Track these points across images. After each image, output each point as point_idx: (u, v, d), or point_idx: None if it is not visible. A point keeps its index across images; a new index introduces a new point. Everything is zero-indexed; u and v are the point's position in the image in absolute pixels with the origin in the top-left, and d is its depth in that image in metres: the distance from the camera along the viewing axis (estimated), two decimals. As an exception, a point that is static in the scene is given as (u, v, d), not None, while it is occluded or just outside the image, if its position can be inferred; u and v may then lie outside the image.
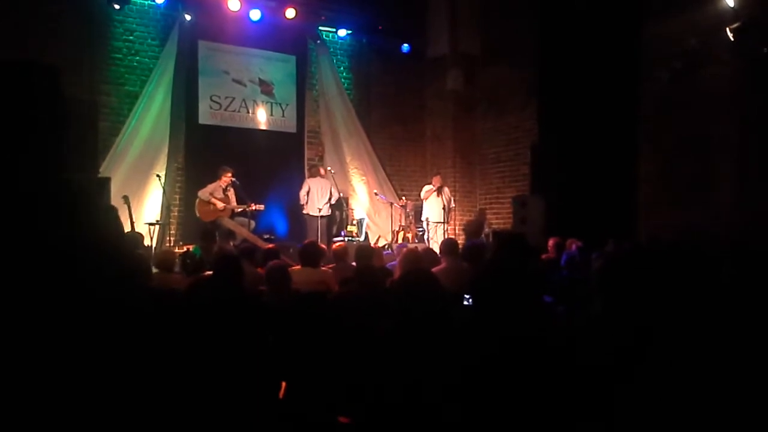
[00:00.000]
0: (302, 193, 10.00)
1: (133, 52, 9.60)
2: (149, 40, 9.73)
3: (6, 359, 1.13)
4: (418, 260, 5.11)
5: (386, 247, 9.77)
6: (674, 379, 1.95)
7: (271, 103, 10.87)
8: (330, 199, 9.98)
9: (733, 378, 1.96)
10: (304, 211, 10.00)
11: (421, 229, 10.81)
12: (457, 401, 2.04)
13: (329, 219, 10.18)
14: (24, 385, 1.13)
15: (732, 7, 8.07)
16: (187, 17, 9.74)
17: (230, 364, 3.01)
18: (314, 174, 10.24)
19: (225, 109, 10.39)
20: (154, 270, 5.33)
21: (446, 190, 10.65)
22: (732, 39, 8.02)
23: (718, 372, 1.97)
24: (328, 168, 10.61)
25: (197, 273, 5.48)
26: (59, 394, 1.16)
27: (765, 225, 7.42)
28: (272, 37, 10.58)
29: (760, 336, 2.11)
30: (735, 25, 7.97)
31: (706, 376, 1.96)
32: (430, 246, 9.79)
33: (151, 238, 8.72)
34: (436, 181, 10.61)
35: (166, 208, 9.16)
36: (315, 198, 9.93)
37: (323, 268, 5.66)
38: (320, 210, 9.83)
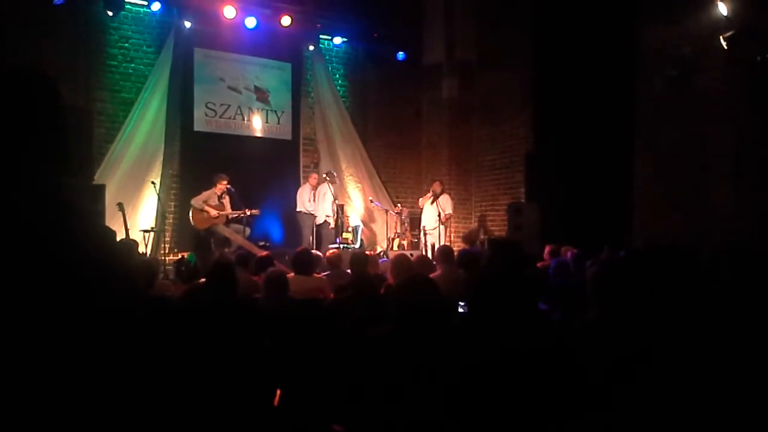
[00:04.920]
0: (313, 196, 10.11)
1: (128, 59, 9.59)
2: (144, 47, 9.73)
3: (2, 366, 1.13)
4: (408, 264, 5.12)
5: (382, 254, 9.75)
6: (672, 383, 1.95)
7: (267, 111, 10.86)
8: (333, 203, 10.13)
9: (731, 381, 1.96)
10: (310, 211, 10.05)
11: (416, 237, 10.81)
12: (454, 407, 2.04)
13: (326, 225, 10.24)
14: (18, 394, 1.13)
15: (725, 16, 8.13)
16: (185, 24, 9.74)
17: (225, 372, 3.00)
18: (321, 181, 10.31)
19: (220, 117, 10.38)
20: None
21: (444, 197, 10.61)
22: (725, 47, 8.07)
23: (716, 375, 1.97)
24: (330, 171, 10.56)
25: (192, 280, 5.48)
26: (52, 405, 1.15)
27: (761, 227, 7.46)
28: (268, 44, 10.59)
29: (759, 337, 2.11)
30: (728, 34, 8.02)
31: (704, 379, 1.96)
32: (425, 253, 9.81)
33: (146, 246, 8.69)
34: (435, 187, 10.59)
35: (161, 215, 9.14)
36: (321, 204, 10.09)
37: (317, 275, 5.66)
38: (328, 216, 10.02)
